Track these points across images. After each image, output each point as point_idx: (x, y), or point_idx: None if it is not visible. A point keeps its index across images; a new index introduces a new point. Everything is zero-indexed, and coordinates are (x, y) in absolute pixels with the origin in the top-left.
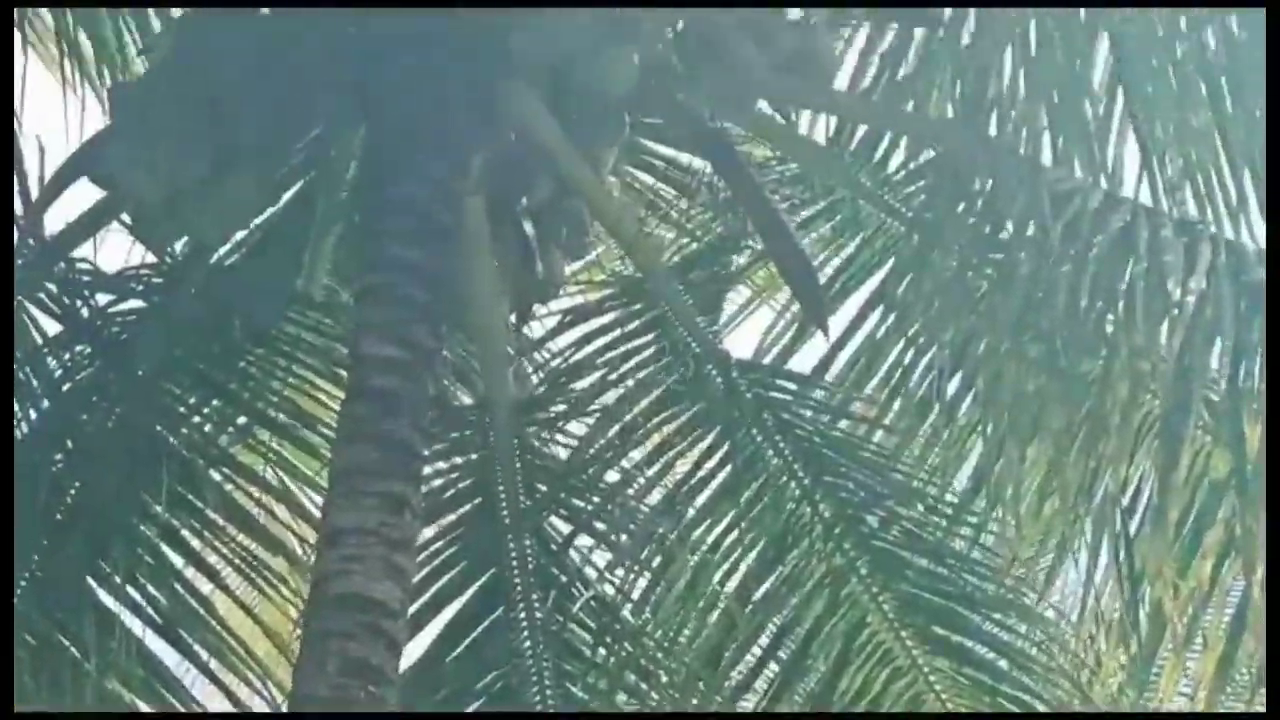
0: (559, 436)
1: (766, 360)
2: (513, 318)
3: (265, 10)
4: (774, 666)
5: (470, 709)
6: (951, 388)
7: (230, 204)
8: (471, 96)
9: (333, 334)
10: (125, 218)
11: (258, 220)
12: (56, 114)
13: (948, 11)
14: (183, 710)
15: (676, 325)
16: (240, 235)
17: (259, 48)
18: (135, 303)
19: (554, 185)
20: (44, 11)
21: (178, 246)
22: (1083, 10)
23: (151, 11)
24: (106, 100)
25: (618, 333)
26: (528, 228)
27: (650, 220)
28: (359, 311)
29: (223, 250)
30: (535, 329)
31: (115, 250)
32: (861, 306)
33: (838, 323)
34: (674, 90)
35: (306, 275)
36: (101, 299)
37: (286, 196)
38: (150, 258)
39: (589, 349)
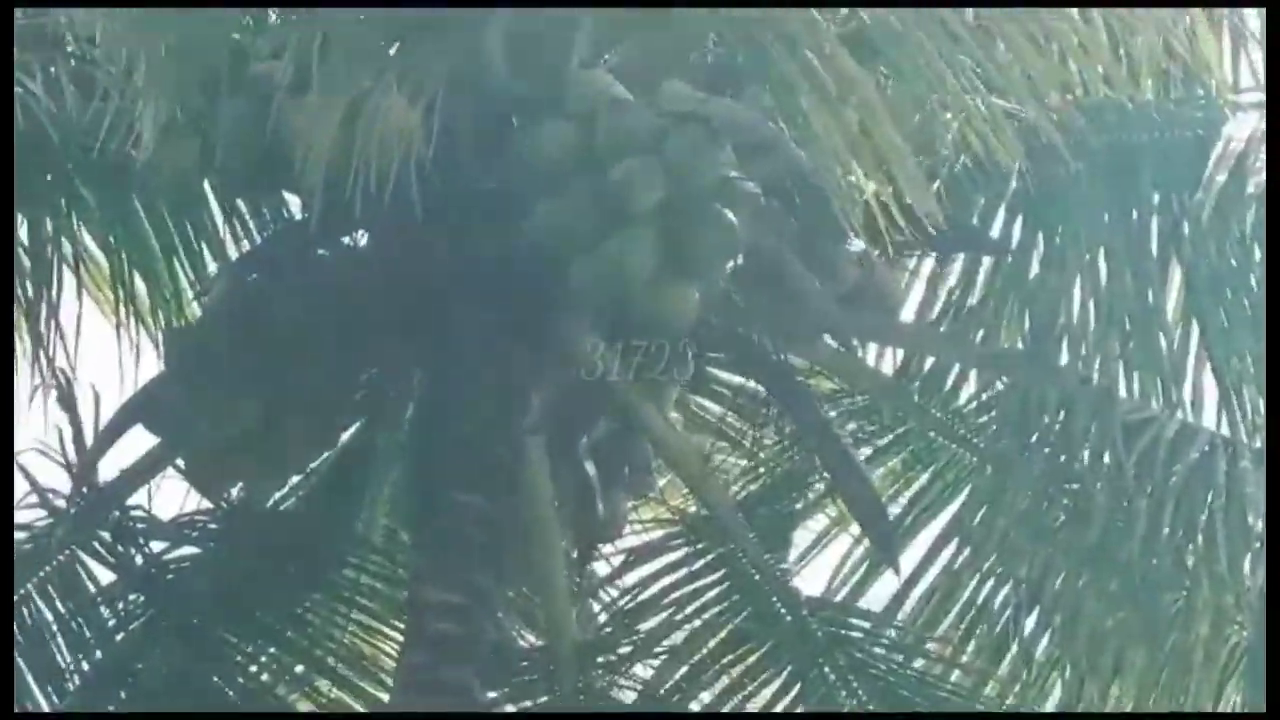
0: (625, 679)
1: (838, 597)
2: (575, 557)
3: (322, 251)
4: None
5: None
6: (1029, 624)
7: (285, 450)
8: (529, 334)
9: (394, 578)
10: (180, 464)
11: (314, 463)
12: (111, 358)
13: (1015, 239)
14: None
15: (744, 563)
16: (297, 478)
17: (313, 289)
18: (190, 550)
19: (615, 422)
20: (98, 254)
21: (233, 491)
22: (1155, 242)
23: (207, 252)
24: (160, 345)
25: (684, 571)
26: (588, 467)
27: (716, 453)
28: (417, 556)
29: (279, 493)
30: (599, 568)
31: (170, 496)
32: (935, 540)
33: (910, 557)
34: (736, 324)
35: (366, 518)
36: (155, 546)
37: (344, 439)
38: (205, 504)
39: (654, 588)
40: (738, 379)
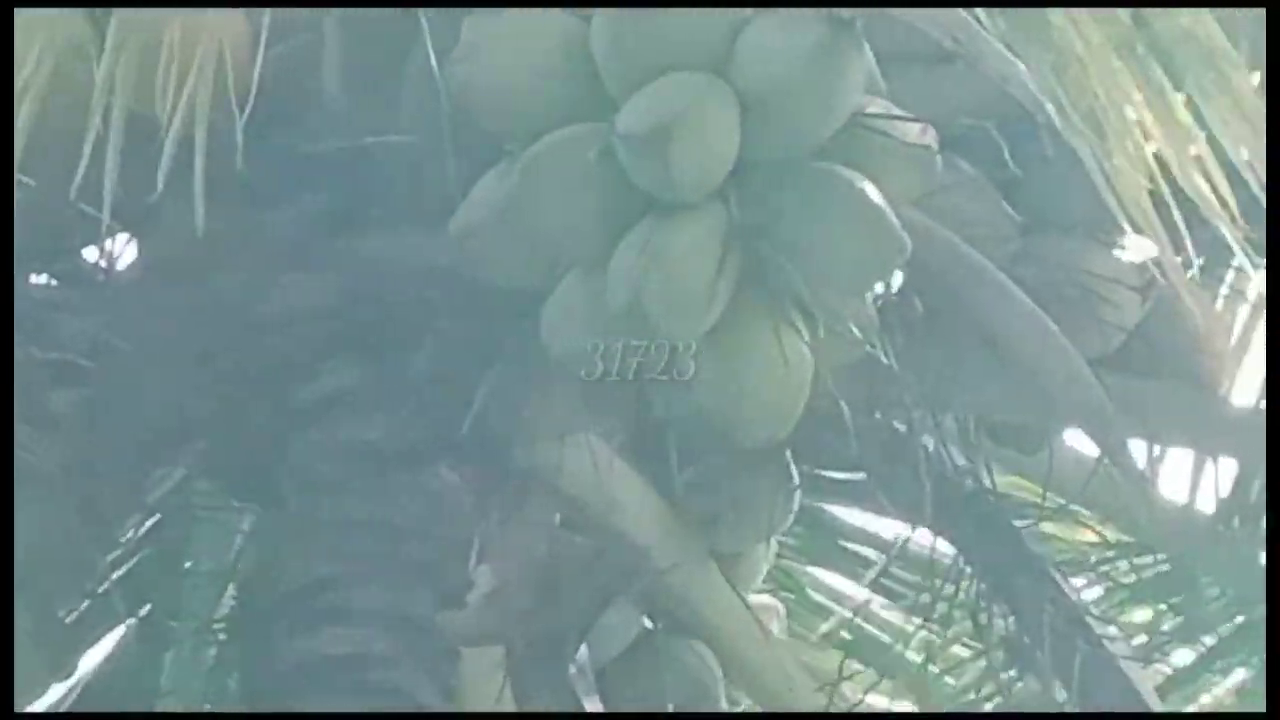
0: None
1: None
2: None
3: (40, 278)
4: None
5: None
6: None
7: None
8: (460, 441)
9: None
10: None
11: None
12: None
13: None
14: None
15: None
16: None
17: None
18: None
19: (648, 615)
20: None
21: None
22: None
23: None
24: None
25: None
26: (591, 706)
27: (852, 679)
28: None
29: None
30: None
31: None
32: None
33: None
34: (888, 414)
35: None
36: None
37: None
38: None
39: None
40: (892, 527)
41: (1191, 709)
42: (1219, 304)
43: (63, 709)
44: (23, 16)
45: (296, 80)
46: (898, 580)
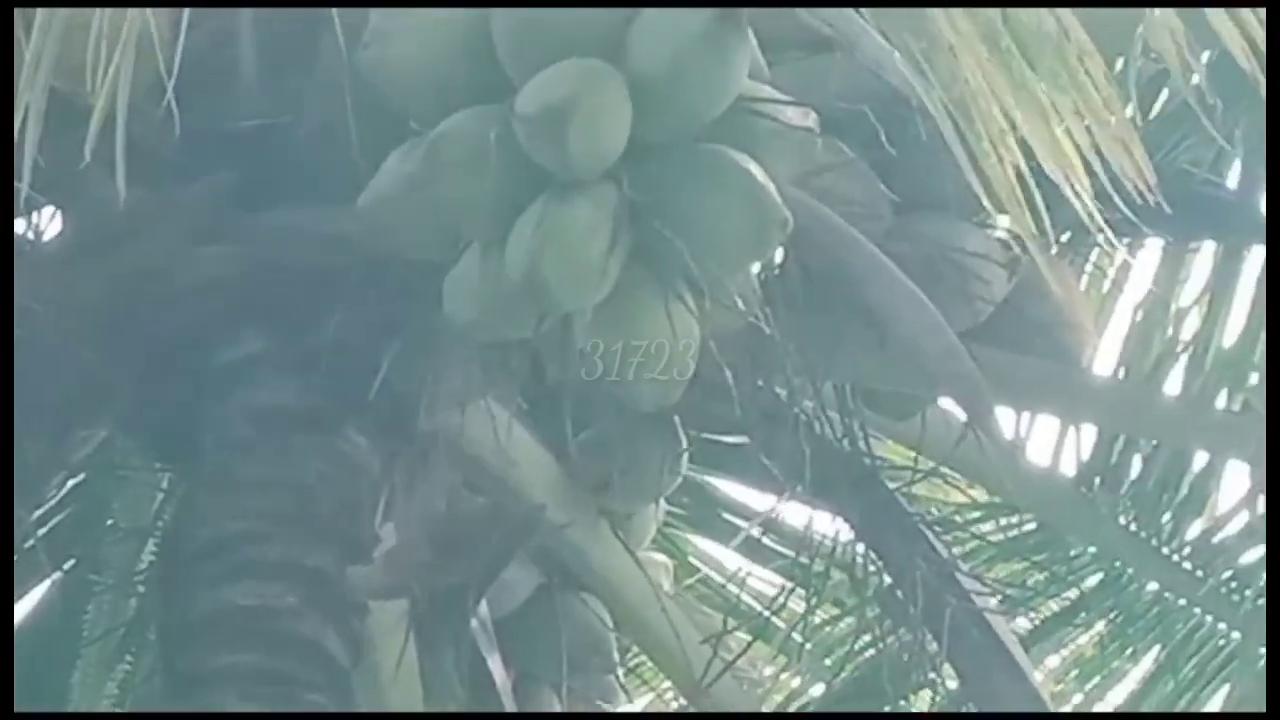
0: None
1: None
2: None
3: None
4: None
5: None
6: None
7: None
8: (366, 404)
9: None
10: None
11: None
12: None
13: None
14: None
15: None
16: None
17: None
18: None
19: (544, 571)
20: None
21: None
22: None
23: None
24: None
25: None
26: (493, 664)
27: (735, 635)
28: None
29: None
30: None
31: None
32: None
33: None
34: (770, 381)
35: None
36: None
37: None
38: None
39: None
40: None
41: (1055, 659)
42: (1083, 281)
43: None
44: None
45: (212, 60)
46: (776, 546)
